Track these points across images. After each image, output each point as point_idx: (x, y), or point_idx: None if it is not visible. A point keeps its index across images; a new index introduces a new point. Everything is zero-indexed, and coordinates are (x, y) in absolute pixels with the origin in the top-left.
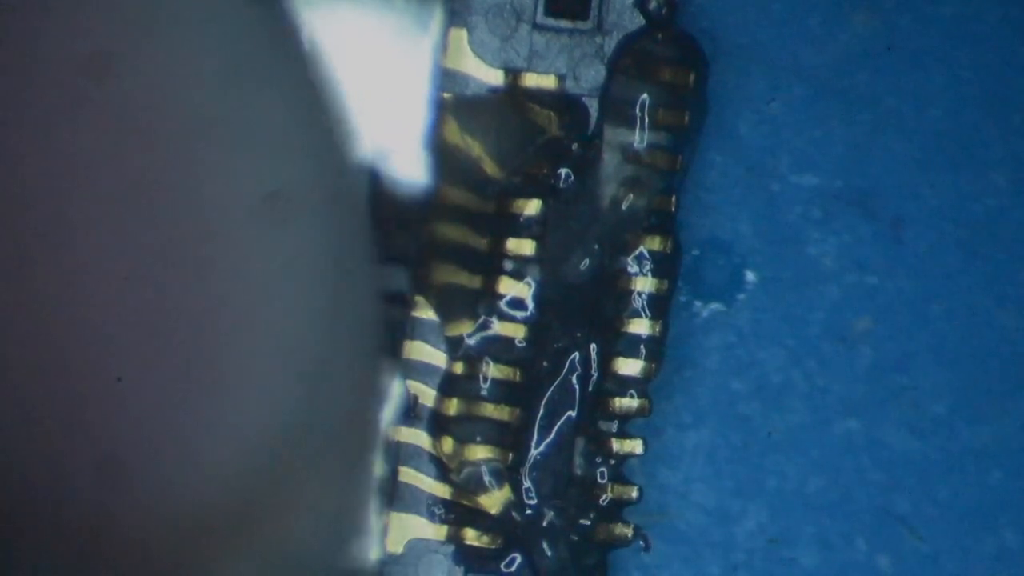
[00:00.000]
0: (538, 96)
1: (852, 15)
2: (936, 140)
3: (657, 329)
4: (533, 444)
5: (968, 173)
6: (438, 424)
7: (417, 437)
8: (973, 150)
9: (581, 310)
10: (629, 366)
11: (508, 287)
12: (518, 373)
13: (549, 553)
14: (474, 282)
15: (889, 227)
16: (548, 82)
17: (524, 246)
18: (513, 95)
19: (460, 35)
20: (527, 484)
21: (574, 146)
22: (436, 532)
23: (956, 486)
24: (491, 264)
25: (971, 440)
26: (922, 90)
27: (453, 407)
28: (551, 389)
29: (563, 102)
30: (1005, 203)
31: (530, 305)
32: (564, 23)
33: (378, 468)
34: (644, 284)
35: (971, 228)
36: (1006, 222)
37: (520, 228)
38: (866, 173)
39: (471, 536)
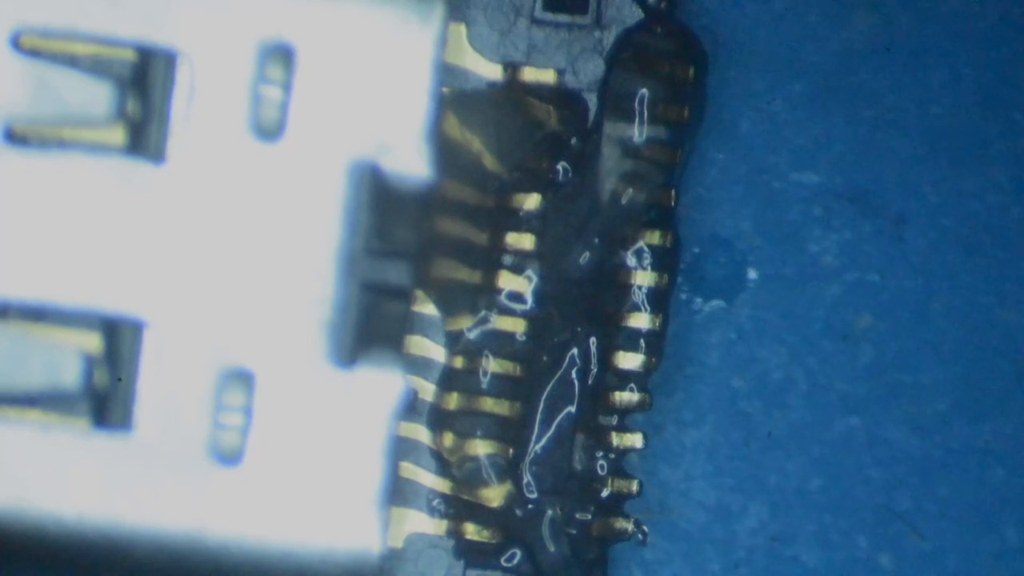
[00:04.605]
0: (537, 91)
1: (853, 13)
2: (937, 138)
3: (657, 323)
4: (533, 438)
5: (969, 171)
6: (438, 419)
7: (417, 432)
8: (974, 148)
9: (581, 304)
10: (629, 360)
11: (508, 281)
12: (518, 367)
13: (550, 548)
14: (474, 276)
15: (890, 225)
16: (547, 76)
17: (524, 240)
18: (512, 90)
19: (459, 30)
20: (527, 478)
21: (573, 140)
22: (436, 527)
23: (957, 484)
24: (491, 258)
25: (972, 438)
26: (923, 88)
27: (453, 402)
28: (551, 383)
29: (562, 96)
30: (1006, 200)
31: (530, 299)
32: (563, 17)
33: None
34: (644, 278)
35: (972, 226)
36: (1007, 219)
37: (520, 222)
38: (867, 171)
39: (471, 531)
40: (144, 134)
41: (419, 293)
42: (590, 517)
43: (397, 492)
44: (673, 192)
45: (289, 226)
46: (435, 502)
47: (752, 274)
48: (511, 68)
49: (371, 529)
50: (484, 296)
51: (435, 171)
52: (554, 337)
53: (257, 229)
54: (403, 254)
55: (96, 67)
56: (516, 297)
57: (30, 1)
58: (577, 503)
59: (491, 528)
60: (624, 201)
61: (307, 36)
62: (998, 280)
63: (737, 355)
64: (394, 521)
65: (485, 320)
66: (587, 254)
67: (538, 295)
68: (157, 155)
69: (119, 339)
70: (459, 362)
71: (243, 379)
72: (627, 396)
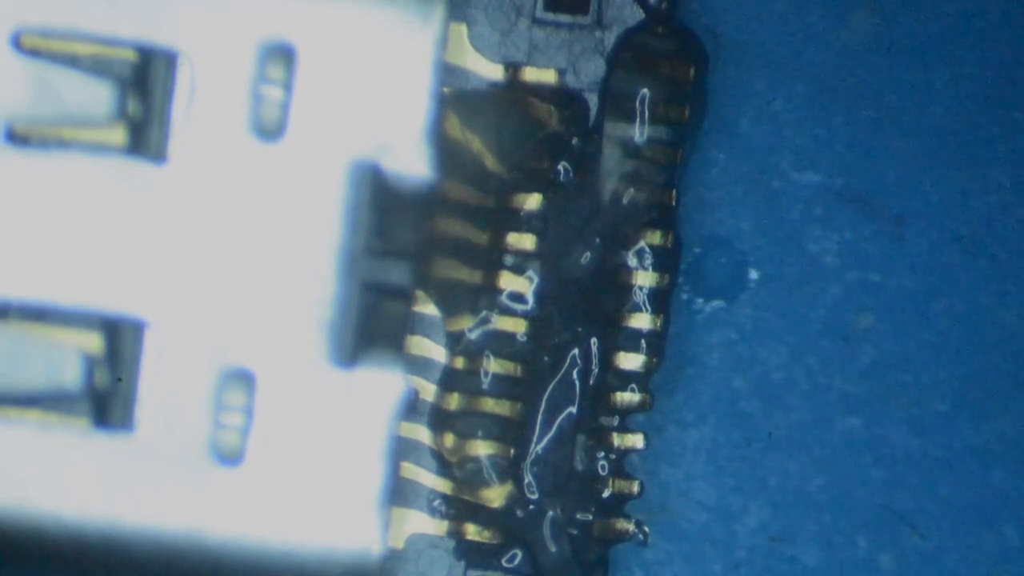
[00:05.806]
0: (538, 91)
1: (853, 12)
2: (938, 138)
3: (658, 323)
4: (534, 439)
5: (970, 171)
6: (439, 419)
7: (418, 432)
8: (975, 148)
9: (582, 304)
10: (630, 360)
11: (509, 282)
12: (519, 368)
13: (551, 548)
14: (475, 277)
15: (890, 225)
16: (548, 76)
17: (525, 240)
18: (513, 90)
19: (460, 30)
20: (528, 479)
21: (574, 140)
22: (437, 527)
23: (957, 484)
24: (492, 259)
25: (972, 437)
26: (924, 88)
27: (454, 402)
28: (552, 384)
29: (563, 96)
30: (1007, 200)
31: (531, 300)
32: (564, 17)
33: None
34: (645, 278)
35: (973, 226)
36: (1007, 219)
37: (521, 223)
38: (867, 171)
39: (472, 531)
40: (145, 134)
41: (420, 293)
42: (591, 518)
43: (398, 492)
44: (674, 192)
45: (290, 226)
46: (436, 502)
47: (753, 274)
48: (512, 68)
49: (372, 529)
50: (485, 296)
51: (436, 171)
52: (555, 337)
53: (258, 229)
54: (404, 254)
55: (96, 67)
56: (517, 297)
57: (30, 1)
58: (578, 504)
59: (492, 529)
60: (625, 201)
61: (307, 36)
62: (999, 280)
63: (738, 355)
64: (395, 521)
65: (486, 320)
66: (588, 254)
67: (539, 295)
68: (158, 155)
69: (120, 339)
70: (460, 362)
71: (243, 379)
72: (628, 396)
